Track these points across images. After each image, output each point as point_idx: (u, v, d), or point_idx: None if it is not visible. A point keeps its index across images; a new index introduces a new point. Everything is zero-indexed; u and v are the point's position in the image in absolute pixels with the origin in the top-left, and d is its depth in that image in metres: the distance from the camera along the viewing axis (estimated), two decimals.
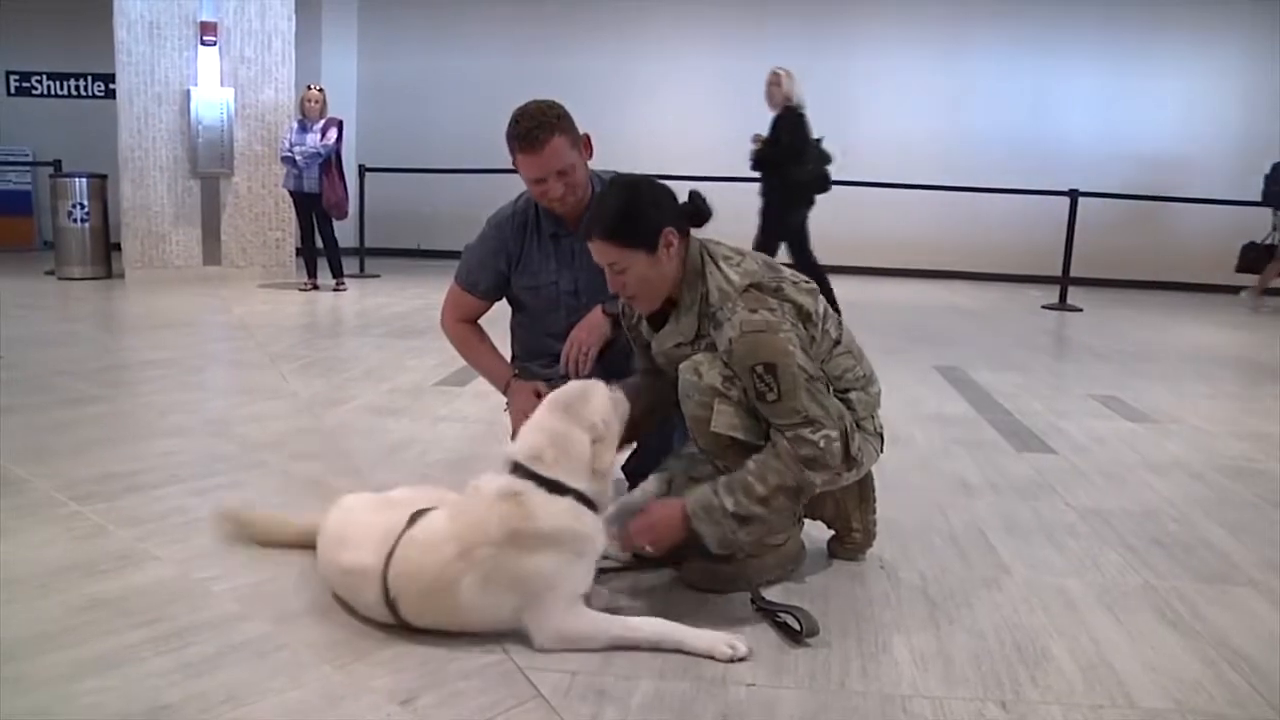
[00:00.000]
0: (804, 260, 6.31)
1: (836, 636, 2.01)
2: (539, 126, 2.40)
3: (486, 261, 2.67)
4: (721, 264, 2.10)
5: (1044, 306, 8.45)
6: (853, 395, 2.20)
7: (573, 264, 2.59)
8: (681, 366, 2.11)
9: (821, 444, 1.98)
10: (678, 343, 2.16)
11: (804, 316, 2.08)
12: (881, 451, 2.30)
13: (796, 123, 6.22)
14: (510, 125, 2.44)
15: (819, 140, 6.40)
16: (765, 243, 6.15)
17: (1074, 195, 8.66)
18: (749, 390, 2.01)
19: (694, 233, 2.18)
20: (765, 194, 6.37)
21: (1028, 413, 4.20)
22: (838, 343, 2.18)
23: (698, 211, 2.15)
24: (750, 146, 6.36)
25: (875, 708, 1.75)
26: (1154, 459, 3.52)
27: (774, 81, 6.33)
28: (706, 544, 2.05)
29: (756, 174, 6.38)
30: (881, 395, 2.31)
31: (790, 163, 6.16)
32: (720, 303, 2.05)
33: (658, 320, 2.21)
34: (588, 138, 2.53)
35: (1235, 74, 10.31)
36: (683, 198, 2.17)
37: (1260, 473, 3.40)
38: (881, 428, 2.28)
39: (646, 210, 2.08)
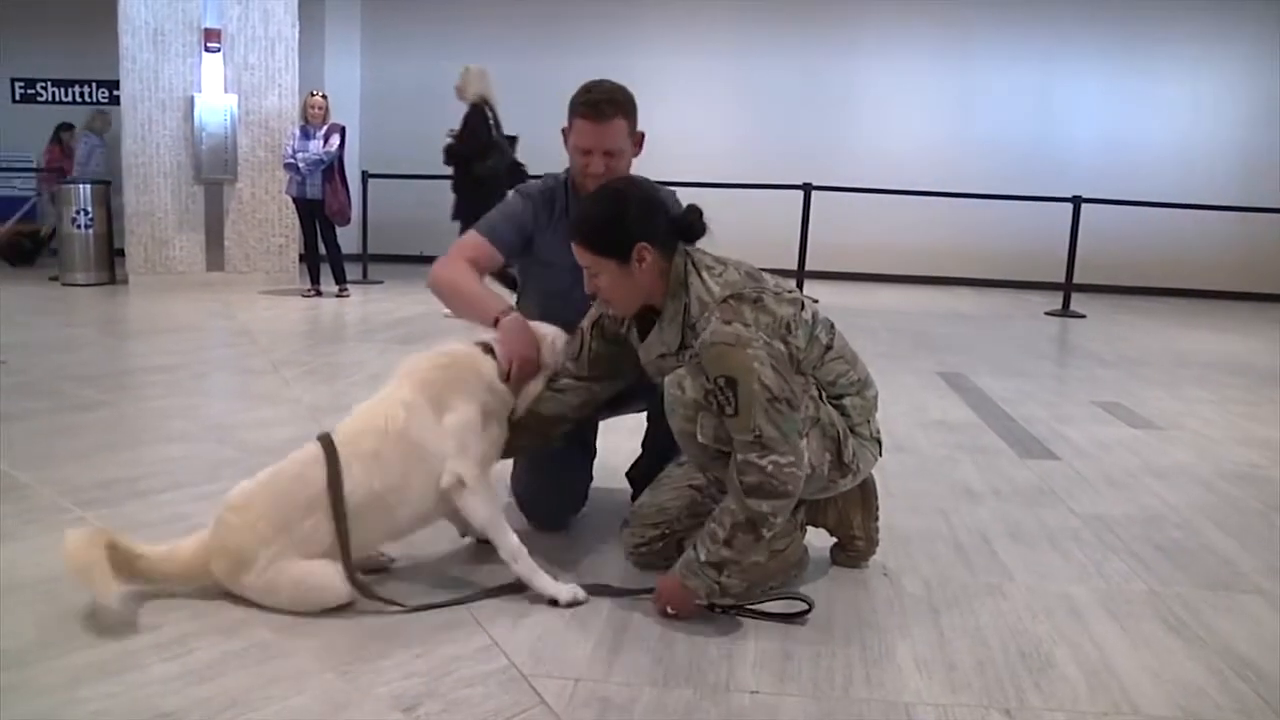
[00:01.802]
0: None
1: (840, 643, 2.01)
2: (610, 102, 2.43)
3: (513, 219, 2.56)
4: (704, 274, 2.10)
5: (1047, 313, 8.45)
6: (846, 401, 2.19)
7: None
8: (666, 381, 2.11)
9: (769, 469, 1.94)
10: (661, 353, 2.17)
11: (784, 328, 2.04)
12: (880, 455, 2.30)
13: (480, 120, 6.52)
14: (582, 91, 2.46)
15: (512, 138, 6.71)
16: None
17: (1077, 201, 8.65)
18: (712, 401, 2.00)
19: None
20: (456, 188, 6.75)
21: (1031, 419, 4.19)
22: (829, 348, 2.17)
23: (689, 228, 2.14)
24: (445, 141, 6.69)
25: (879, 715, 1.74)
26: (1158, 465, 3.51)
27: (466, 78, 6.56)
28: (708, 604, 2.05)
29: (449, 168, 6.76)
30: (880, 400, 2.30)
31: (476, 157, 6.46)
32: (700, 314, 2.06)
33: (644, 329, 2.22)
34: (641, 136, 2.53)
35: (1240, 80, 10.31)
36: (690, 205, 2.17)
37: (1265, 479, 3.39)
38: (879, 432, 2.28)
39: (625, 222, 2.08)
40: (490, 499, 2.17)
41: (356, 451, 2.09)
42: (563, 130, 2.53)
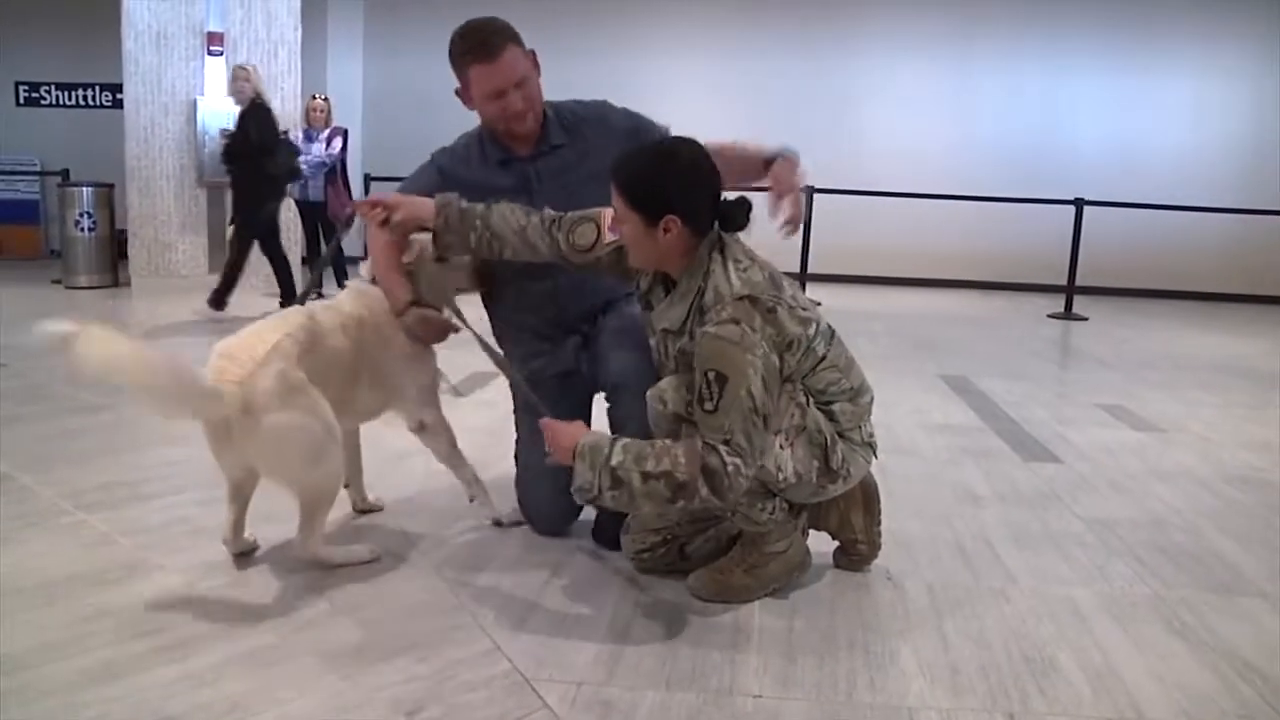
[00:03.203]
0: (274, 250, 6.80)
1: (843, 648, 2.01)
2: (494, 34, 2.32)
3: (429, 189, 2.45)
4: (729, 265, 2.05)
5: (1050, 315, 8.44)
6: (836, 406, 2.15)
7: (530, 189, 2.47)
8: (649, 394, 2.10)
9: (729, 468, 1.91)
10: (665, 328, 2.13)
11: (785, 345, 2.02)
12: (875, 458, 2.27)
13: (263, 118, 6.53)
14: (457, 40, 2.35)
15: (286, 134, 6.84)
16: (242, 234, 6.67)
17: (1079, 204, 8.65)
18: (693, 390, 1.98)
19: None
20: (236, 187, 6.75)
21: (1034, 422, 4.18)
22: (823, 359, 2.12)
23: (728, 217, 2.09)
24: (220, 141, 6.74)
25: (882, 719, 1.74)
26: (1161, 468, 3.50)
27: (243, 78, 6.69)
28: (573, 487, 2.00)
29: (227, 168, 6.76)
30: (881, 403, 2.29)
31: (260, 156, 6.46)
32: (713, 303, 2.01)
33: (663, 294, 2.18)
34: (533, 54, 2.42)
35: (1243, 82, 10.30)
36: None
37: (1268, 483, 3.39)
38: (872, 436, 2.24)
39: (665, 186, 2.03)
40: (448, 437, 2.58)
41: (323, 318, 2.35)
42: (457, 92, 2.42)
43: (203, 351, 2.24)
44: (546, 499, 2.54)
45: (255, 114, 6.48)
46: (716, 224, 2.09)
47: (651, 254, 2.10)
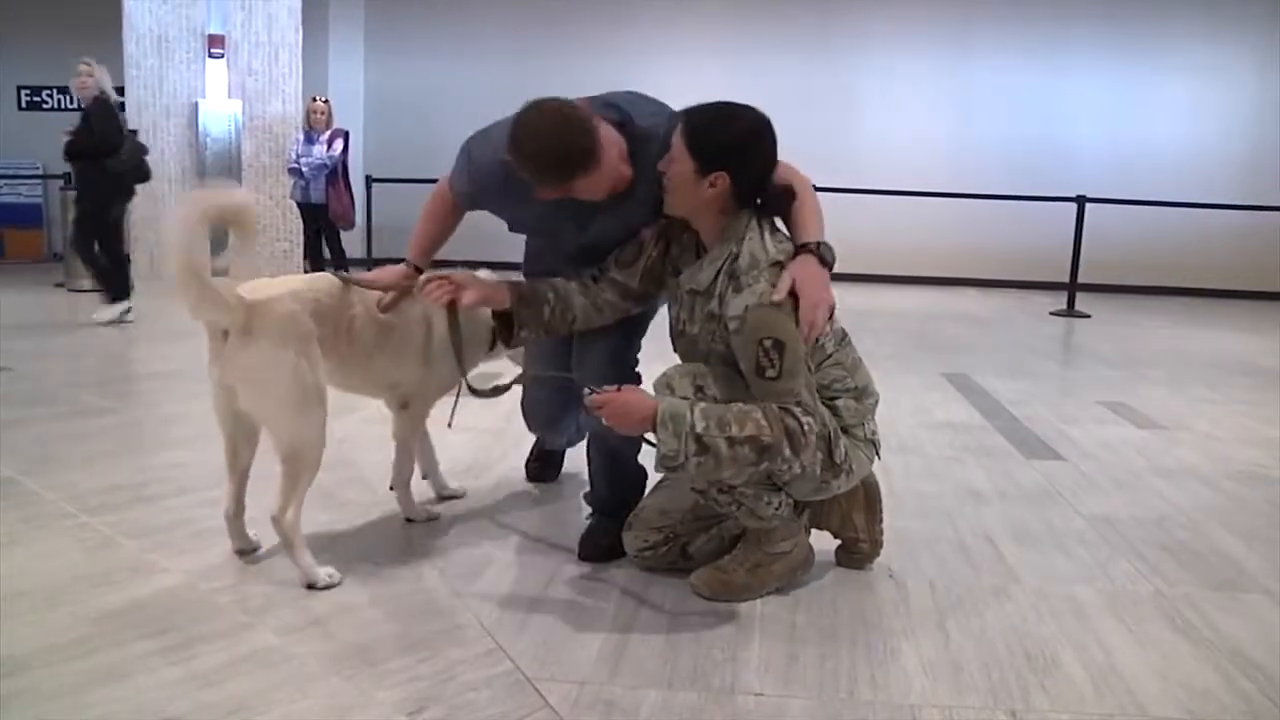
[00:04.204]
0: (113, 250, 6.58)
1: (845, 646, 2.01)
2: (540, 171, 2.06)
3: (465, 191, 2.44)
4: (766, 235, 2.08)
5: (1052, 313, 8.43)
6: (840, 402, 2.17)
7: (552, 217, 2.34)
8: (655, 383, 2.12)
9: (805, 427, 1.95)
10: (691, 289, 2.16)
11: None
12: (878, 457, 2.28)
13: (108, 114, 6.41)
14: (528, 164, 2.06)
15: (135, 132, 6.71)
16: (82, 234, 6.46)
17: (1081, 201, 8.64)
18: (748, 363, 1.98)
19: None
20: (80, 185, 6.59)
21: (1036, 420, 4.18)
22: (829, 356, 2.15)
23: (772, 199, 2.13)
24: (63, 138, 6.53)
25: (884, 717, 1.74)
26: (1163, 466, 3.50)
27: (85, 73, 6.48)
28: (657, 456, 1.95)
29: (70, 165, 6.61)
30: (884, 402, 2.30)
31: (105, 154, 6.36)
32: (747, 268, 2.03)
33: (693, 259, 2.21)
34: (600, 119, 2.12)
35: (1245, 78, 10.29)
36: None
37: (1271, 480, 3.38)
38: (874, 434, 2.25)
39: (724, 144, 2.06)
40: (417, 427, 2.65)
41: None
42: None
43: (204, 351, 2.25)
44: (540, 400, 2.64)
45: (99, 111, 6.36)
46: (759, 202, 2.13)
47: (689, 202, 2.11)
